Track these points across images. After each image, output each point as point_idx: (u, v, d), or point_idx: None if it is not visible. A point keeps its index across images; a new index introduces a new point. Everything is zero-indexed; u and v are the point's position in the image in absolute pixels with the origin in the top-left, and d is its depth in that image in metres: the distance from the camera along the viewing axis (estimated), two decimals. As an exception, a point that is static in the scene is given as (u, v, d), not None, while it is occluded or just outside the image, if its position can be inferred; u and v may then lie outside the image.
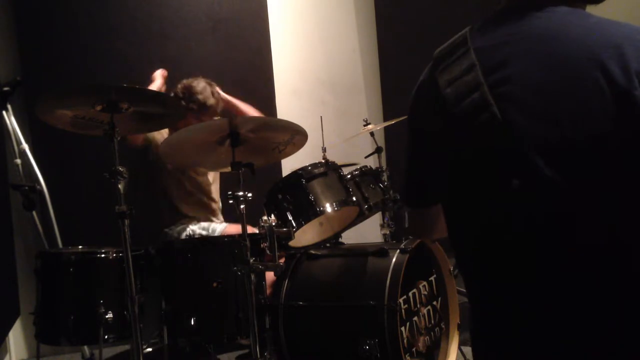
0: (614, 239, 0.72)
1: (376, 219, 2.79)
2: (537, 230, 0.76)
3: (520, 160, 0.75)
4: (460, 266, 0.95)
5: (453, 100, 0.81)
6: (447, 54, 0.86)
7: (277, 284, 2.13)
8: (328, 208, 2.06)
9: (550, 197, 0.74)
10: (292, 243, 2.18)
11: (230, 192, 1.84)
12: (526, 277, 0.79)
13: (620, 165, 0.70)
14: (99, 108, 1.83)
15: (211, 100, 2.55)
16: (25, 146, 2.75)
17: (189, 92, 2.53)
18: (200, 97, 2.52)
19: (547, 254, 0.76)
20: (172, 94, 2.57)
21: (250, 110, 2.70)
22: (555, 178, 0.72)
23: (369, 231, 3.11)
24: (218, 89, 2.62)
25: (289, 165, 2.60)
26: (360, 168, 2.30)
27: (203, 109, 2.53)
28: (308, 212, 2.05)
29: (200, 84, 2.54)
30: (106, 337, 2.02)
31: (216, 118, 2.57)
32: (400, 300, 1.90)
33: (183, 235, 2.55)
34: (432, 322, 2.18)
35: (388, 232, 2.53)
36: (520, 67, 0.77)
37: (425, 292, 2.16)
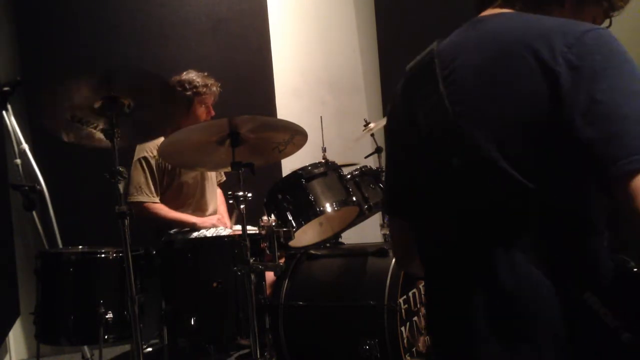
0: (545, 217, 0.76)
1: (376, 219, 2.80)
2: (475, 205, 0.82)
3: (461, 139, 0.80)
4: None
5: (423, 117, 0.88)
6: (418, 71, 0.92)
7: (277, 284, 2.13)
8: (328, 208, 2.06)
9: (487, 174, 0.78)
10: (292, 243, 2.18)
11: (230, 192, 1.84)
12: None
13: (552, 143, 0.73)
14: (98, 105, 1.81)
15: (209, 80, 2.60)
16: (25, 146, 2.75)
17: (185, 81, 2.57)
18: (197, 79, 2.57)
19: (477, 229, 0.82)
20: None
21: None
22: (493, 155, 0.77)
23: (369, 231, 3.11)
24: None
25: (289, 165, 2.60)
26: (360, 168, 2.30)
27: (204, 90, 2.57)
28: (308, 212, 2.05)
29: (190, 73, 2.60)
30: (106, 337, 2.01)
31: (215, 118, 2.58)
32: (401, 300, 1.90)
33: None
34: (432, 322, 2.17)
35: (388, 232, 2.53)
36: (464, 58, 0.84)
37: (425, 292, 2.16)
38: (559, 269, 0.75)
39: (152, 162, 2.51)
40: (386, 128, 1.05)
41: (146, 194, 2.49)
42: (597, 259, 0.76)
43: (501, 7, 0.89)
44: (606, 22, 0.90)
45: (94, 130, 1.92)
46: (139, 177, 2.50)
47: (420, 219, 0.96)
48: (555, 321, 0.75)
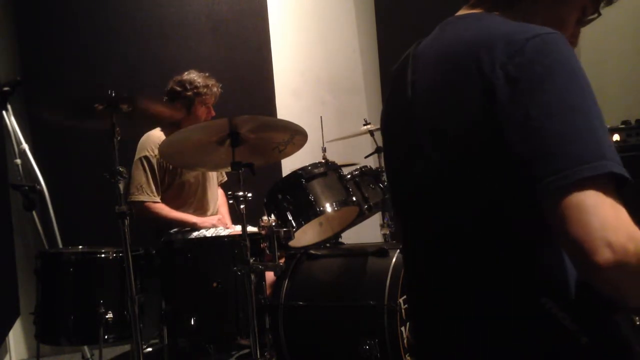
0: (479, 225, 0.76)
1: (376, 219, 2.79)
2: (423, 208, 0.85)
3: (419, 148, 0.81)
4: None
5: (393, 120, 0.93)
6: (397, 72, 0.93)
7: (277, 284, 2.13)
8: (328, 208, 2.06)
9: (434, 179, 0.80)
10: (292, 243, 2.18)
11: (230, 192, 1.84)
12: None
13: (490, 152, 0.72)
14: (99, 108, 1.84)
15: (209, 80, 2.59)
16: (25, 146, 2.75)
17: (186, 81, 2.57)
18: (198, 79, 2.57)
19: (421, 232, 0.87)
20: (167, 92, 2.60)
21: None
22: (441, 163, 0.77)
23: (369, 231, 3.11)
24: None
25: (289, 165, 2.60)
26: (360, 168, 2.30)
27: (205, 91, 2.57)
28: (308, 212, 2.05)
29: (191, 74, 2.60)
30: (106, 337, 2.02)
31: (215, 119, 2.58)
32: (401, 300, 1.90)
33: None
34: (432, 322, 2.18)
35: (388, 232, 2.54)
36: (424, 65, 0.84)
37: (425, 292, 2.16)
38: (515, 277, 0.74)
39: (154, 161, 2.51)
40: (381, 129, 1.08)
41: (147, 194, 2.48)
42: (554, 266, 0.73)
43: (473, 6, 0.87)
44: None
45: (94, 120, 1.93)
46: (140, 176, 2.49)
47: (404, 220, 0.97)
48: (513, 328, 0.74)
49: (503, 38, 0.72)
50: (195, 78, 2.57)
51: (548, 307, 0.70)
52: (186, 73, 2.60)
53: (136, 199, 2.47)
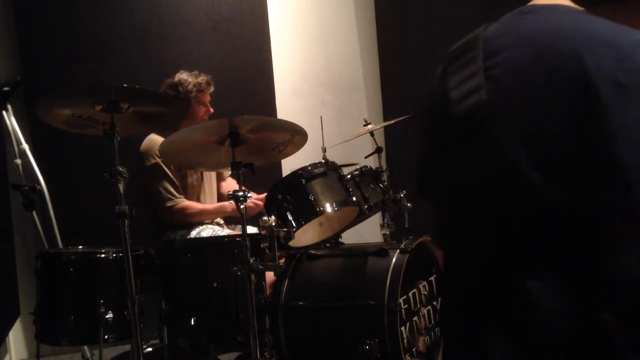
0: (567, 231, 0.74)
1: (376, 219, 2.79)
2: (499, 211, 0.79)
3: (487, 138, 0.77)
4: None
5: (456, 103, 0.83)
6: (459, 54, 0.87)
7: (277, 284, 2.13)
8: (328, 208, 2.06)
9: (508, 179, 0.76)
10: (292, 243, 2.18)
11: (230, 192, 1.84)
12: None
13: (583, 158, 0.71)
14: (98, 108, 1.83)
15: (200, 78, 2.59)
16: (25, 146, 2.75)
17: (177, 84, 2.56)
18: (189, 79, 2.56)
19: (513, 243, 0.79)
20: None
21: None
22: (521, 162, 0.74)
23: (369, 231, 3.11)
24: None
25: (289, 165, 2.60)
26: (360, 168, 2.29)
27: (200, 88, 2.57)
28: (308, 212, 2.05)
29: (182, 74, 2.59)
30: (106, 337, 2.01)
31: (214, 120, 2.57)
32: (400, 300, 1.90)
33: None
34: (432, 322, 2.18)
35: (388, 232, 2.53)
36: (506, 55, 0.80)
37: (425, 292, 2.16)
38: (579, 284, 0.73)
39: (163, 165, 2.50)
40: (422, 107, 1.00)
41: (170, 198, 2.49)
42: (620, 275, 0.73)
43: None
44: None
45: (94, 124, 1.93)
46: (157, 184, 2.49)
47: (443, 208, 0.93)
48: (567, 336, 0.73)
49: (605, 39, 0.71)
50: (186, 79, 2.56)
51: (606, 319, 0.70)
52: (177, 75, 2.59)
53: (171, 205, 2.48)
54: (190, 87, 2.55)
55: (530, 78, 0.76)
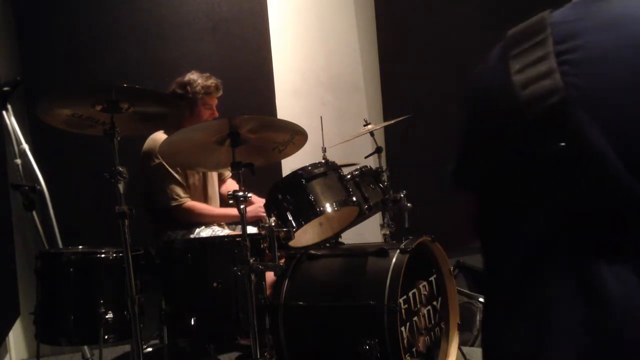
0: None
1: (376, 219, 2.79)
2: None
3: (570, 125, 0.73)
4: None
5: (521, 87, 0.78)
6: (523, 38, 0.83)
7: (277, 284, 2.13)
8: (328, 208, 2.06)
9: (593, 169, 0.71)
10: (292, 243, 2.18)
11: (230, 192, 1.84)
12: None
13: None
14: (98, 108, 1.84)
15: (210, 81, 2.59)
16: (25, 146, 2.75)
17: (187, 83, 2.57)
18: (199, 80, 2.57)
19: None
20: (169, 94, 2.60)
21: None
22: (607, 151, 0.70)
23: (369, 231, 3.11)
24: None
25: (289, 165, 2.60)
26: (360, 168, 2.29)
27: (208, 91, 2.58)
28: (308, 212, 2.05)
29: (193, 74, 2.60)
30: (106, 337, 2.02)
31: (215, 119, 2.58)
32: (400, 300, 1.90)
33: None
34: (432, 322, 2.18)
35: (388, 232, 2.53)
36: (589, 40, 0.76)
37: (425, 292, 2.16)
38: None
39: (167, 165, 2.50)
40: (470, 93, 0.93)
41: (175, 198, 2.50)
42: None
43: None
44: None
45: (94, 124, 1.93)
46: (162, 182, 2.49)
47: (495, 198, 0.88)
48: None
49: None
50: (197, 79, 2.57)
51: None
52: (188, 74, 2.60)
53: (178, 204, 2.49)
54: (198, 88, 2.55)
55: (618, 65, 0.73)
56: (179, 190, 2.51)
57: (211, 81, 2.60)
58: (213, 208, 2.64)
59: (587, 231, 0.74)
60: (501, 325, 0.85)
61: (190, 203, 2.53)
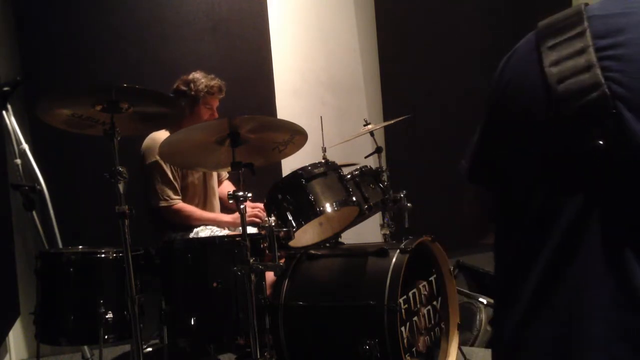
0: None
1: (376, 219, 2.79)
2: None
3: (614, 122, 0.70)
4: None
5: (556, 80, 0.76)
6: (558, 29, 0.80)
7: (277, 284, 2.13)
8: (328, 208, 2.06)
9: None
10: (292, 243, 2.18)
11: (230, 192, 1.84)
12: None
13: None
14: (98, 108, 1.84)
15: (214, 81, 2.61)
16: (25, 146, 2.75)
17: (190, 81, 2.58)
18: (202, 80, 2.58)
19: None
20: (173, 91, 2.62)
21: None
22: None
23: (369, 231, 3.11)
24: None
25: (289, 165, 2.60)
26: (360, 168, 2.30)
27: (210, 91, 2.59)
28: (308, 212, 2.05)
29: (197, 74, 2.62)
30: (106, 337, 2.02)
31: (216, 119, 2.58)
32: (400, 300, 1.90)
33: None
34: (432, 322, 2.18)
35: (388, 232, 2.53)
36: (634, 35, 0.73)
37: (425, 292, 2.16)
38: None
39: (164, 165, 2.50)
40: (494, 84, 0.88)
41: (165, 199, 2.51)
42: None
43: None
44: None
45: (94, 124, 1.94)
46: (160, 182, 2.50)
47: (517, 194, 0.85)
48: None
49: None
50: (200, 79, 2.58)
51: None
52: (193, 73, 2.61)
53: (167, 205, 2.50)
54: (201, 86, 2.57)
55: None
56: (169, 192, 2.51)
57: (215, 82, 2.61)
58: (202, 212, 2.62)
59: (624, 230, 0.72)
60: (523, 326, 0.82)
61: (179, 205, 2.53)
